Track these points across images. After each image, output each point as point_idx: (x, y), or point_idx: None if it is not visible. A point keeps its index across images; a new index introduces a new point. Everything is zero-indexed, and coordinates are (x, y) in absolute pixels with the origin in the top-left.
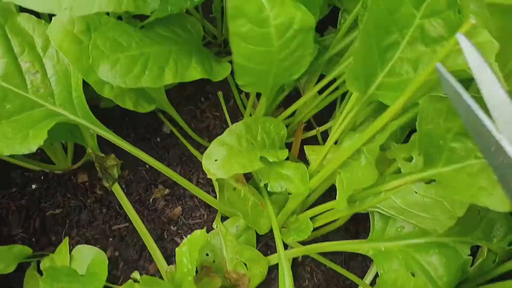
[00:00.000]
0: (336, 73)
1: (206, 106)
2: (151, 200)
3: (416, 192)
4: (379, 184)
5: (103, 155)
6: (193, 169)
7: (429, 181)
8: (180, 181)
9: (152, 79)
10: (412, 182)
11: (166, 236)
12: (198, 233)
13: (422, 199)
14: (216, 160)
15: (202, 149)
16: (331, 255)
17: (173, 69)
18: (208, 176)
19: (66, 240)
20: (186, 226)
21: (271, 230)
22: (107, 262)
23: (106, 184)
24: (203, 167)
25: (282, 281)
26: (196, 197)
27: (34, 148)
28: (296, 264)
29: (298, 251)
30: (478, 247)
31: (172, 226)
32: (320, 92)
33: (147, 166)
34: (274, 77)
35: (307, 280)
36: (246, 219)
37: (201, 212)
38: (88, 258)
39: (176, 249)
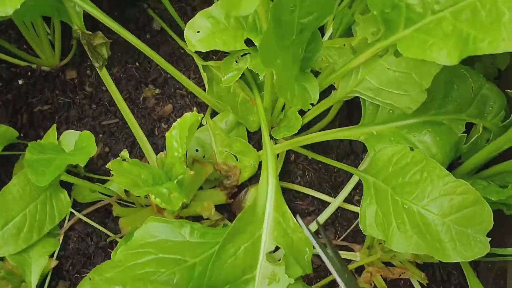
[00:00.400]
0: None
1: (197, 3)
2: (141, 99)
3: (388, 69)
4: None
5: (90, 32)
6: (183, 68)
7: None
8: (172, 72)
9: None
10: (379, 51)
11: (156, 133)
12: (189, 115)
13: (394, 75)
14: (198, 32)
15: None
16: (323, 154)
17: None
18: (188, 47)
19: (54, 127)
20: None
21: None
22: (93, 137)
23: (96, 65)
24: (184, 37)
25: (265, 168)
26: (187, 96)
27: (10, 11)
28: (288, 162)
29: (286, 144)
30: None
31: (162, 124)
32: None
33: (137, 64)
34: None
35: (299, 177)
36: (236, 114)
37: (192, 110)
38: (74, 142)
39: (166, 133)
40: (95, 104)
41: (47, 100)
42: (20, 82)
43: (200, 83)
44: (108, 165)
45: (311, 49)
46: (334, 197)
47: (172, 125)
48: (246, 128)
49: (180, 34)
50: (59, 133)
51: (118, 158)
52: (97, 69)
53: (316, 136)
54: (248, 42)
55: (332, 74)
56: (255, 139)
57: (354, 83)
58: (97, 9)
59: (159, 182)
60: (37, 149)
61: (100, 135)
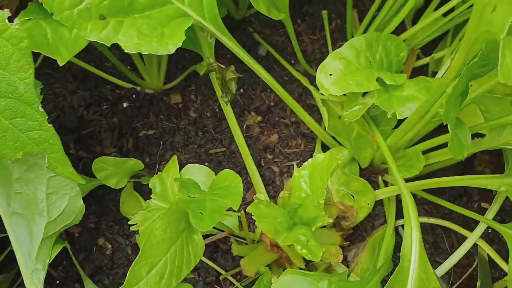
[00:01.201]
0: None
1: (302, 28)
2: (244, 126)
3: None
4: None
5: (223, 66)
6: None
7: None
8: (285, 97)
9: None
10: None
11: (263, 164)
12: (321, 157)
13: None
14: (331, 75)
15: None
16: (435, 194)
17: None
18: (320, 91)
19: (174, 158)
20: (283, 155)
21: (370, 165)
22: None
23: (224, 100)
24: (316, 81)
25: (406, 211)
26: (291, 125)
27: (172, 49)
28: (396, 201)
29: (416, 185)
30: None
31: (268, 154)
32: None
33: (241, 90)
34: None
35: None
36: (351, 149)
37: (298, 141)
38: (198, 177)
39: (294, 172)
40: (201, 131)
41: (152, 124)
42: (125, 104)
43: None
44: (248, 209)
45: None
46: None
47: (303, 165)
48: (359, 164)
49: (286, 60)
50: (165, 160)
51: (256, 201)
52: (223, 103)
53: (450, 181)
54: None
55: (482, 122)
56: (365, 176)
57: (510, 137)
58: (236, 42)
59: (288, 225)
60: (185, 187)
61: (206, 163)
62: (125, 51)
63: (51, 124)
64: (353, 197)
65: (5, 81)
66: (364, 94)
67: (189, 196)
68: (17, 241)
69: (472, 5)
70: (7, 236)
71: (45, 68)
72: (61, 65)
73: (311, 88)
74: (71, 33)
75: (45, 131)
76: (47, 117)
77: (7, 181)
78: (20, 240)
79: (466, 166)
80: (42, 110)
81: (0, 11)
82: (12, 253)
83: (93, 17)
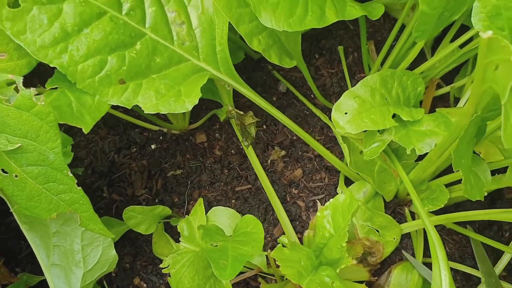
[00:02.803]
0: None
1: (320, 63)
2: (269, 161)
3: None
4: None
5: (242, 112)
6: (308, 131)
7: None
8: (301, 134)
9: (316, 19)
10: None
11: (288, 199)
12: (342, 197)
13: None
14: (346, 113)
15: (318, 109)
16: (463, 225)
17: (332, 8)
18: (336, 130)
19: (200, 201)
20: (308, 189)
21: (395, 197)
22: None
23: (245, 144)
24: (332, 119)
25: (433, 249)
26: (315, 159)
27: (189, 107)
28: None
29: (441, 219)
30: None
31: (293, 189)
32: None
33: (264, 126)
34: (438, 20)
35: None
36: (374, 184)
37: (322, 175)
38: (224, 220)
39: (317, 213)
40: (226, 169)
41: (179, 164)
42: (153, 146)
43: (325, 145)
44: (272, 255)
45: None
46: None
47: (325, 205)
48: (383, 197)
49: (306, 95)
50: (193, 199)
51: (279, 245)
52: (244, 147)
53: (477, 215)
54: None
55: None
56: (390, 209)
57: None
58: (252, 90)
59: (313, 265)
60: (208, 236)
61: (233, 201)
62: (145, 112)
63: (80, 187)
64: (378, 232)
65: (36, 151)
66: (382, 131)
67: (212, 245)
68: None
69: None
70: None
71: None
72: (86, 132)
73: (330, 124)
74: (93, 99)
75: (75, 193)
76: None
77: (46, 235)
78: None
79: (494, 195)
80: (71, 175)
81: (28, 90)
82: None
83: (113, 83)
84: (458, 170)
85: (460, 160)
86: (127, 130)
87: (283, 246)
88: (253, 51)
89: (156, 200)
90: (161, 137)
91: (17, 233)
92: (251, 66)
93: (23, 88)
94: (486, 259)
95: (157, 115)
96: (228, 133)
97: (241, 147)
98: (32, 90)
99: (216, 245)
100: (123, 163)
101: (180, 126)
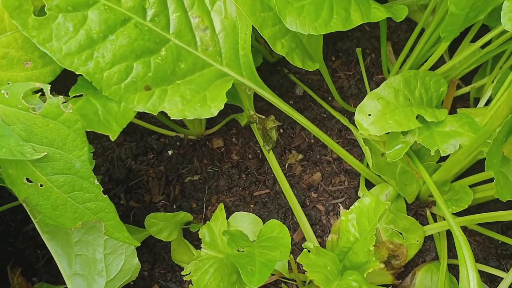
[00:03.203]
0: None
1: (337, 65)
2: (286, 165)
3: None
4: None
5: (263, 117)
6: (326, 133)
7: None
8: (322, 137)
9: (341, 22)
10: None
11: (308, 203)
12: (368, 200)
13: None
14: (369, 115)
15: (336, 111)
16: (486, 226)
17: (357, 10)
18: (360, 132)
19: (221, 207)
20: (327, 193)
21: (417, 199)
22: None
23: (266, 148)
24: (355, 121)
25: (460, 250)
26: (333, 162)
27: (215, 112)
28: (447, 235)
29: (467, 220)
30: None
31: (312, 193)
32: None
33: (281, 130)
34: (463, 21)
35: None
36: (396, 186)
37: (341, 178)
38: (245, 225)
39: (341, 216)
40: (244, 173)
41: (196, 170)
42: (170, 152)
43: (344, 148)
44: (298, 260)
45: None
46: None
47: (350, 209)
48: (405, 199)
49: (323, 98)
50: (211, 204)
51: (305, 250)
52: (265, 151)
53: (502, 215)
54: None
55: None
56: (412, 211)
57: None
58: (274, 95)
59: (338, 270)
60: (234, 241)
61: (252, 206)
62: (172, 118)
63: (106, 195)
64: (401, 234)
65: (62, 159)
66: (405, 132)
67: (238, 250)
68: None
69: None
70: None
71: None
72: (113, 140)
73: (351, 126)
74: (119, 106)
75: (101, 201)
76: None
77: (67, 244)
78: None
79: None
80: (98, 183)
81: (55, 98)
82: None
83: (139, 89)
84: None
85: (492, 160)
86: (144, 137)
87: (308, 251)
88: (270, 55)
89: (174, 206)
90: (177, 143)
91: (34, 242)
92: (267, 70)
93: (51, 96)
94: None
95: (174, 120)
96: (245, 138)
97: (258, 151)
98: (60, 98)
99: (243, 251)
100: (140, 170)
101: (197, 131)
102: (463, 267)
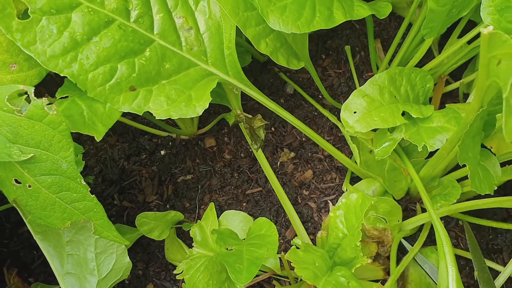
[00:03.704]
0: None
1: (327, 63)
2: (278, 163)
3: None
4: None
5: (250, 116)
6: (317, 131)
7: None
8: (312, 135)
9: (324, 20)
10: None
11: (299, 201)
12: (354, 196)
13: None
14: (355, 112)
15: (326, 109)
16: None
17: (340, 8)
18: (346, 129)
19: (212, 206)
20: (319, 190)
21: (407, 194)
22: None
23: (254, 147)
24: (341, 118)
25: (439, 241)
26: (325, 160)
27: (200, 111)
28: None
29: (449, 209)
30: None
31: (304, 190)
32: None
33: (272, 129)
34: (446, 17)
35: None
36: (384, 183)
37: (332, 175)
38: (236, 223)
39: (330, 213)
40: (236, 172)
41: (189, 169)
42: (162, 152)
43: (335, 145)
44: (286, 256)
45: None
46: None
47: (337, 205)
48: (393, 196)
49: (313, 96)
50: (204, 203)
51: (293, 247)
52: (253, 150)
53: (488, 203)
54: None
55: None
56: (402, 206)
57: None
58: (261, 93)
59: (328, 266)
60: (222, 240)
61: (244, 204)
62: (156, 118)
63: (93, 195)
64: (384, 220)
65: (49, 160)
66: (392, 129)
67: (226, 249)
68: None
69: None
70: None
71: None
72: (98, 140)
73: (339, 124)
74: (105, 107)
75: (89, 201)
76: (93, 176)
77: (59, 244)
78: None
79: (507, 188)
80: (85, 183)
81: (39, 99)
82: None
83: (124, 90)
84: (465, 165)
85: (466, 154)
86: (136, 137)
87: (297, 248)
88: (260, 54)
89: (167, 206)
90: (170, 143)
91: (29, 243)
92: (257, 69)
93: (35, 98)
94: (479, 254)
95: (166, 120)
96: (237, 137)
97: (250, 150)
98: (44, 100)
99: (231, 249)
100: (133, 170)
101: (189, 131)
102: (442, 262)
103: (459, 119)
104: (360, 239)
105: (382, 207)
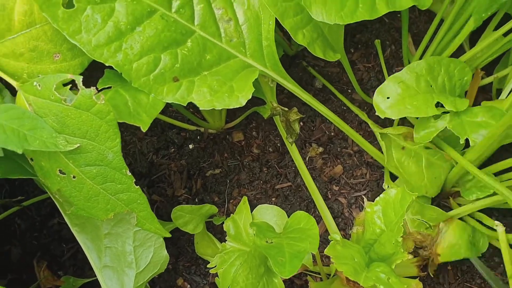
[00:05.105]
0: None
1: (356, 57)
2: (307, 159)
3: None
4: None
5: (286, 109)
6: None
7: None
8: (345, 128)
9: (367, 10)
10: None
11: (329, 196)
12: (393, 191)
13: None
14: (388, 98)
15: (356, 104)
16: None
17: None
18: (377, 114)
19: (245, 199)
20: (349, 186)
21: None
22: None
23: (289, 140)
24: (373, 102)
25: None
26: (354, 155)
27: (243, 102)
28: None
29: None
30: None
31: (334, 186)
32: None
33: (301, 123)
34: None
35: None
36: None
37: (363, 171)
38: (269, 217)
39: (366, 208)
40: (265, 167)
41: (217, 163)
42: (190, 146)
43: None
44: (326, 251)
45: None
46: None
47: (375, 200)
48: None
49: (342, 91)
50: (232, 197)
51: (332, 242)
52: (288, 143)
53: None
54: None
55: None
56: (435, 203)
57: None
58: (298, 86)
59: (365, 261)
60: (261, 233)
61: (273, 199)
62: (201, 109)
63: (138, 187)
64: (429, 225)
65: (95, 151)
66: (436, 117)
67: (266, 242)
68: None
69: None
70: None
71: None
72: (144, 131)
73: (368, 121)
74: (148, 97)
75: (133, 192)
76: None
77: (97, 236)
78: None
79: None
80: (130, 174)
81: (87, 89)
82: None
83: (168, 80)
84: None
85: None
86: (165, 131)
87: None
88: (289, 47)
89: (196, 200)
90: (198, 137)
91: (59, 236)
92: (286, 63)
93: (83, 87)
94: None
95: (194, 114)
96: (265, 131)
97: (278, 145)
98: (93, 89)
99: (271, 242)
100: (162, 164)
101: (217, 125)
102: None
103: (502, 116)
104: (401, 235)
105: (429, 213)
